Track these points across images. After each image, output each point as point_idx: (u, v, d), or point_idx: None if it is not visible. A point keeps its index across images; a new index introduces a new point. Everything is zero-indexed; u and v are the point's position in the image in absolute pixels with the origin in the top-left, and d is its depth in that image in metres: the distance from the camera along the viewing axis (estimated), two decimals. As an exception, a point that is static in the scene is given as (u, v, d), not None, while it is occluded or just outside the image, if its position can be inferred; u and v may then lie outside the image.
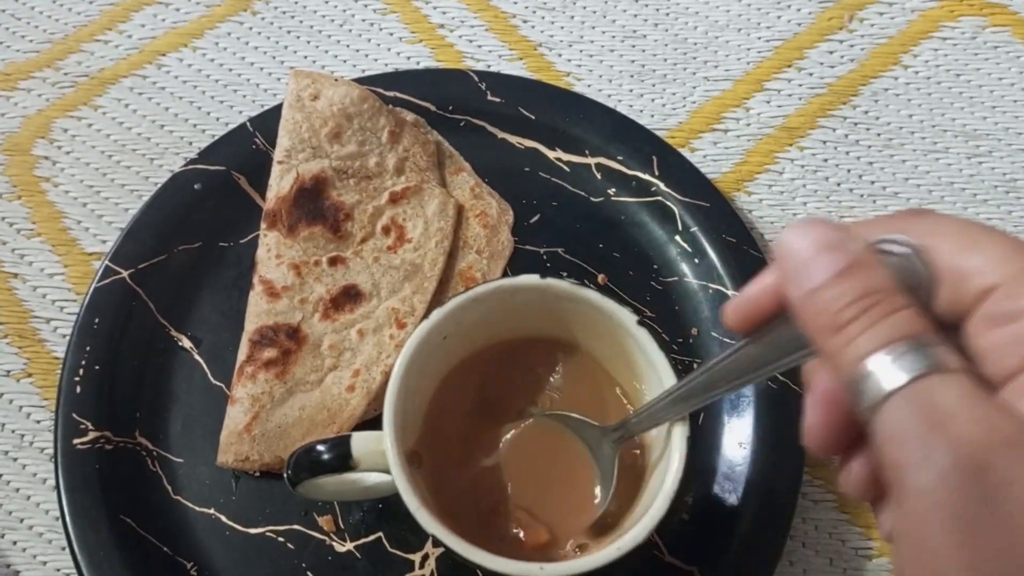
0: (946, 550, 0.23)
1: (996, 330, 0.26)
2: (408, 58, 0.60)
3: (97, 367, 0.49)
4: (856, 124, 0.58)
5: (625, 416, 0.41)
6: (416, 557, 0.46)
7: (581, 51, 0.61)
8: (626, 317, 0.41)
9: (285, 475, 0.40)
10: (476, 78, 0.57)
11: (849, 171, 0.57)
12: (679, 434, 0.38)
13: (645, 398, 0.43)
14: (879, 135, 0.58)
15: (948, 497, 0.23)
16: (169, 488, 0.47)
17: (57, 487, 0.46)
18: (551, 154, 0.55)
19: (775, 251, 0.28)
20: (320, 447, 0.39)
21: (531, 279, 0.42)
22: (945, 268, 0.27)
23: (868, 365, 0.25)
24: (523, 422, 0.44)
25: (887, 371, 0.25)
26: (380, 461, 0.38)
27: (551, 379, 0.46)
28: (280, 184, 0.52)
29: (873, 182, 0.57)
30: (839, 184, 0.57)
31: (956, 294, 0.26)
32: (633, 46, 0.61)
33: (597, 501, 0.42)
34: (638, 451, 0.43)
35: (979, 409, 0.24)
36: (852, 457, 0.29)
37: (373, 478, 0.42)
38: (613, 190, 0.54)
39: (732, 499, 0.47)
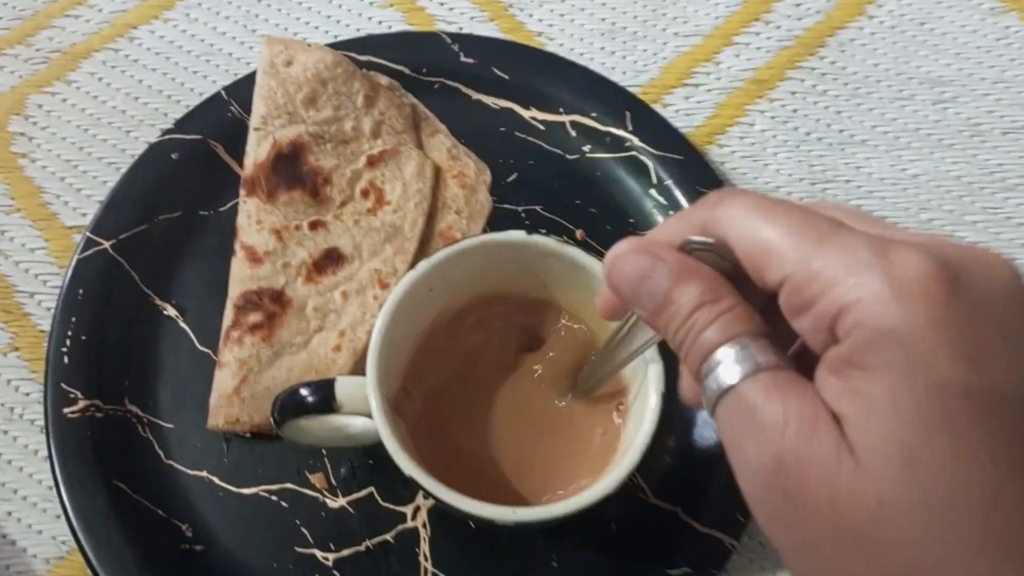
0: (775, 541, 0.27)
1: (797, 319, 0.27)
2: (380, 23, 0.61)
3: (84, 338, 0.49)
4: (824, 75, 0.59)
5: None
6: (408, 509, 0.47)
7: (552, 10, 0.61)
8: None
9: (271, 417, 0.41)
10: (449, 40, 0.57)
11: (818, 121, 0.58)
12: (654, 379, 0.39)
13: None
14: (846, 85, 0.59)
15: (763, 496, 0.27)
16: (161, 453, 0.48)
17: (50, 456, 0.47)
18: (526, 113, 0.56)
19: (607, 274, 0.32)
20: (304, 389, 0.40)
21: (518, 235, 0.43)
22: (748, 255, 0.28)
23: (704, 369, 0.28)
24: (504, 370, 0.45)
25: (718, 373, 0.28)
26: (363, 406, 0.39)
27: (533, 333, 0.47)
28: (257, 151, 0.52)
29: (842, 131, 0.58)
30: (808, 134, 0.58)
31: (763, 280, 0.28)
32: (603, 4, 0.61)
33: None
34: (617, 391, 0.44)
35: (778, 410, 0.26)
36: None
37: (358, 425, 0.43)
38: (588, 147, 0.55)
39: (713, 441, 0.48)
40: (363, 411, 0.39)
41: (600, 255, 0.51)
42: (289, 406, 0.41)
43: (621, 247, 0.31)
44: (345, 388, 0.40)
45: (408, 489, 0.47)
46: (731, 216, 0.29)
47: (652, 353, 0.39)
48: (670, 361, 0.39)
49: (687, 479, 0.47)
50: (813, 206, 0.29)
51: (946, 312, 0.24)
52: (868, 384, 0.25)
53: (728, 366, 0.27)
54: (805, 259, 0.26)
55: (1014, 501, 0.24)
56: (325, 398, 0.40)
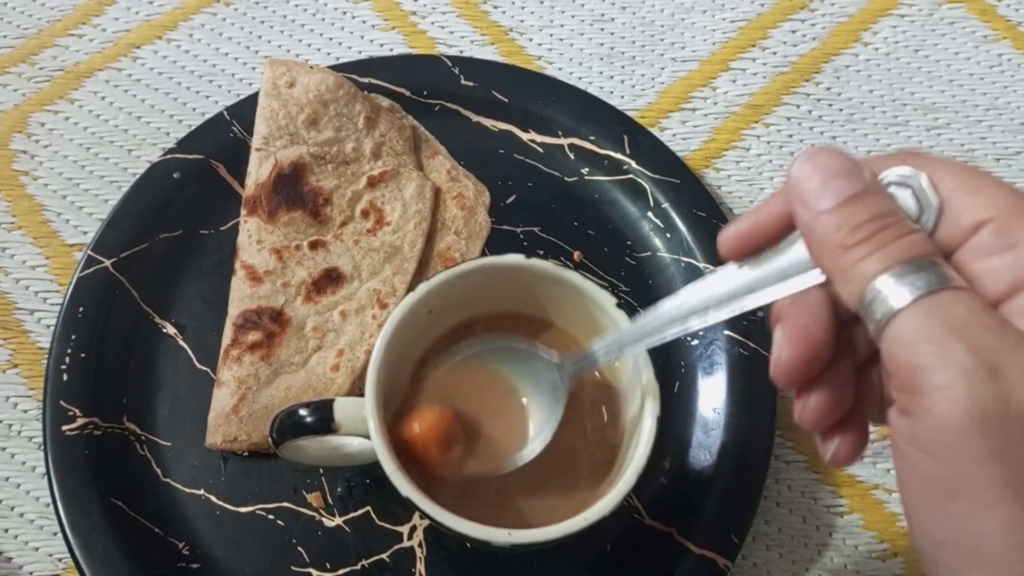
0: (969, 440, 0.25)
1: (988, 258, 0.27)
2: (381, 45, 0.61)
3: (83, 355, 0.49)
4: (819, 100, 0.60)
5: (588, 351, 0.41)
6: (404, 529, 0.47)
7: (551, 35, 0.62)
8: (606, 299, 0.42)
9: (269, 437, 0.41)
10: (449, 63, 0.58)
11: (813, 146, 0.59)
12: (651, 404, 0.39)
13: (619, 376, 0.44)
14: (841, 110, 0.60)
15: (969, 392, 0.25)
16: (159, 471, 0.48)
17: (47, 473, 0.47)
18: (525, 136, 0.57)
19: (786, 178, 0.29)
20: (303, 410, 0.41)
21: (516, 258, 0.43)
22: (944, 200, 0.28)
23: (879, 283, 0.27)
24: (480, 361, 0.45)
25: (899, 287, 0.26)
26: (361, 426, 0.39)
27: (531, 353, 0.47)
28: (259, 171, 0.53)
29: (837, 156, 0.59)
30: (804, 159, 0.58)
31: (952, 225, 0.28)
32: (602, 29, 0.62)
33: (534, 439, 0.42)
34: (614, 412, 0.44)
35: (989, 319, 0.26)
36: (810, 392, 0.30)
37: (355, 444, 0.43)
38: (586, 169, 0.56)
39: (708, 462, 0.48)
40: (361, 432, 0.40)
41: (597, 277, 0.52)
42: (288, 426, 0.41)
43: (821, 147, 0.30)
44: (343, 409, 0.40)
45: (404, 509, 0.47)
46: (939, 162, 0.29)
47: (651, 380, 0.40)
48: (665, 386, 0.40)
49: (682, 501, 0.48)
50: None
51: None
52: None
53: (916, 279, 0.26)
54: (1011, 211, 0.27)
55: None
56: (323, 419, 0.40)
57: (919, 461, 0.26)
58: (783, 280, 0.31)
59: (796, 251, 0.30)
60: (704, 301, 0.33)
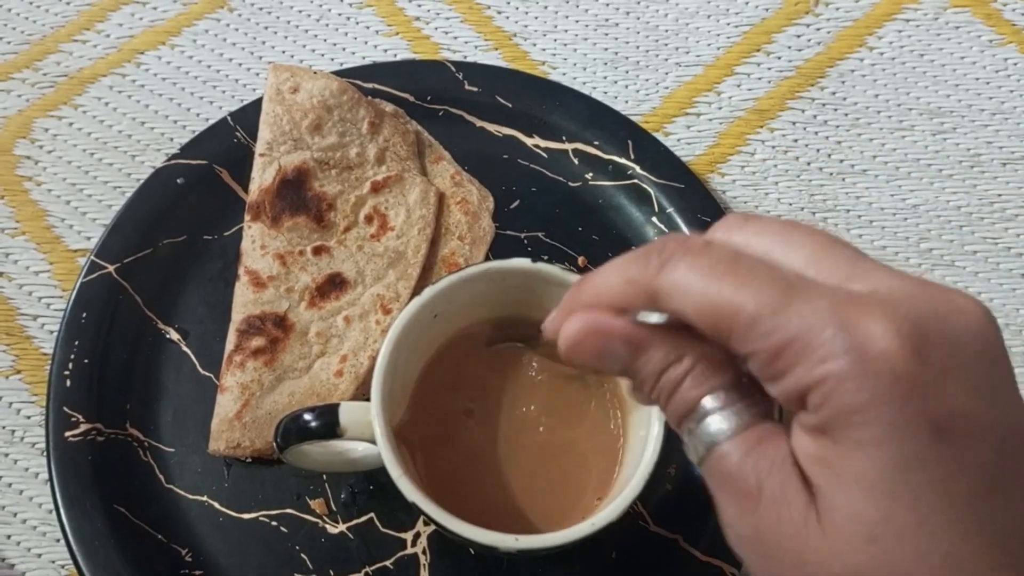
0: None
1: (769, 386, 0.27)
2: (385, 51, 0.61)
3: (86, 361, 0.49)
4: (824, 105, 0.60)
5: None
6: (408, 536, 0.47)
7: (555, 40, 0.62)
8: None
9: (274, 442, 0.41)
10: (453, 68, 0.58)
11: (819, 151, 0.59)
12: (658, 408, 0.39)
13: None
14: (847, 115, 0.60)
15: (747, 555, 0.28)
16: (161, 477, 0.48)
17: (50, 479, 0.46)
18: (529, 141, 0.56)
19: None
20: (308, 414, 0.40)
21: (522, 262, 0.43)
22: (705, 331, 0.27)
23: (684, 432, 0.29)
24: (507, 396, 0.45)
25: (696, 438, 0.28)
26: (366, 431, 0.39)
27: (537, 359, 0.47)
28: (263, 176, 0.52)
29: (842, 160, 0.58)
30: (809, 163, 0.58)
31: (730, 345, 0.27)
32: (606, 34, 0.62)
33: None
34: (618, 417, 0.44)
35: (750, 481, 0.27)
36: None
37: (360, 450, 0.42)
38: (590, 174, 0.56)
39: (714, 469, 0.48)
40: (366, 436, 0.39)
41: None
42: (292, 431, 0.41)
43: (571, 327, 0.29)
44: (349, 413, 0.40)
45: (408, 515, 0.47)
46: (679, 285, 0.27)
47: None
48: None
49: (688, 507, 0.47)
50: (783, 230, 0.28)
51: (912, 386, 0.24)
52: (836, 457, 0.25)
53: (703, 427, 0.27)
54: (767, 334, 0.25)
55: (976, 570, 0.24)
56: (329, 423, 0.40)
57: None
58: None
59: None
60: None
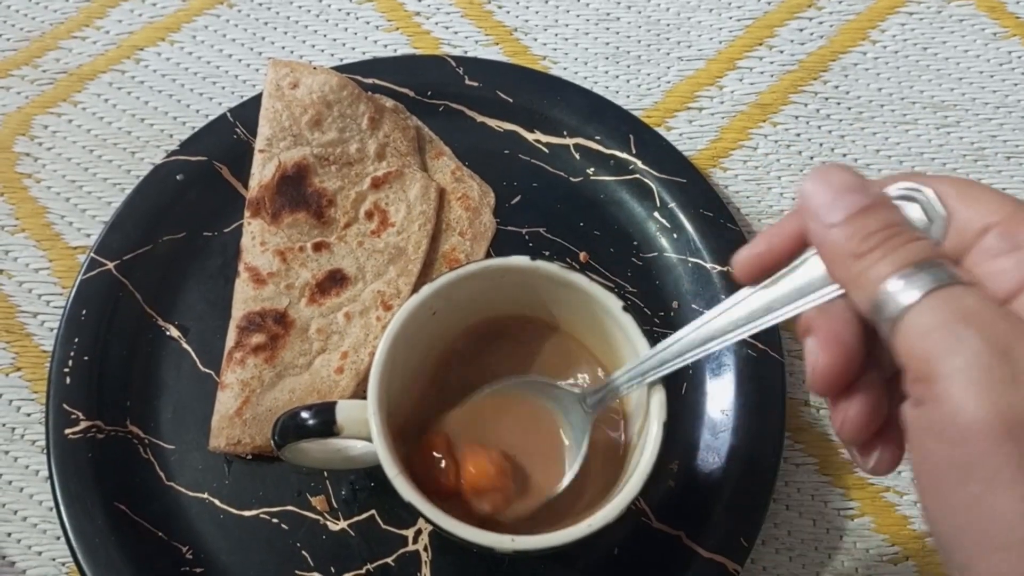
0: (983, 421, 0.25)
1: (995, 260, 0.28)
2: (385, 46, 0.61)
3: (86, 358, 0.49)
4: (827, 99, 0.60)
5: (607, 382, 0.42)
6: (409, 533, 0.47)
7: (556, 35, 0.62)
8: (612, 303, 0.41)
9: (272, 439, 0.41)
10: (453, 63, 0.57)
11: (821, 145, 0.58)
12: (657, 408, 0.39)
13: None
14: (850, 109, 0.59)
15: (983, 374, 0.25)
16: (162, 474, 0.48)
17: (50, 477, 0.46)
18: (530, 136, 0.56)
19: (798, 196, 0.30)
20: (305, 412, 0.40)
21: (521, 260, 0.42)
22: (957, 206, 0.29)
23: (889, 285, 0.27)
24: (503, 394, 0.44)
25: (909, 287, 0.27)
26: (363, 429, 0.39)
27: (536, 357, 0.47)
28: (262, 172, 0.52)
29: (845, 155, 0.58)
30: (812, 158, 0.58)
31: (959, 233, 0.29)
32: (607, 28, 0.62)
33: (566, 473, 0.42)
34: (619, 423, 0.44)
35: (998, 310, 0.26)
36: (847, 399, 0.31)
37: (358, 448, 0.42)
38: (592, 169, 0.55)
39: (716, 465, 0.48)
40: (364, 435, 0.39)
41: (603, 277, 0.51)
42: (290, 429, 0.41)
43: (829, 164, 0.31)
44: (346, 411, 0.40)
45: (409, 512, 0.46)
46: (941, 178, 0.30)
47: (657, 386, 0.39)
48: (672, 389, 0.39)
49: (691, 504, 0.47)
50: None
51: None
52: None
53: (924, 277, 0.27)
54: (1016, 214, 0.28)
55: None
56: (326, 421, 0.40)
57: (934, 448, 0.26)
58: (801, 297, 0.31)
59: (812, 268, 0.31)
60: (723, 327, 0.34)
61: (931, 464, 0.26)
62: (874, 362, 0.31)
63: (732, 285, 0.35)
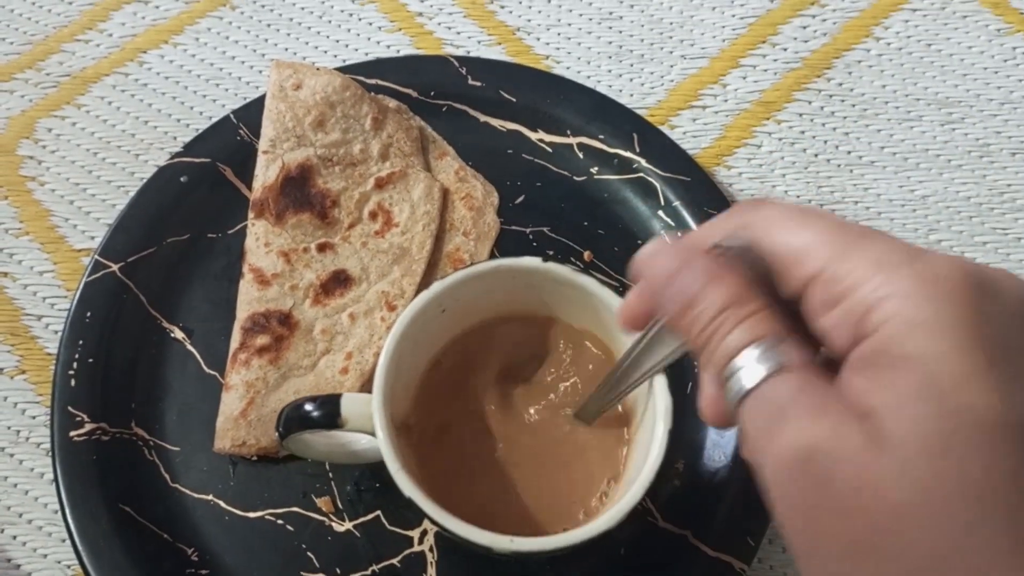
0: (794, 537, 0.26)
1: (827, 314, 0.28)
2: (388, 47, 0.61)
3: (91, 360, 0.49)
4: (831, 96, 0.60)
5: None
6: (415, 533, 0.46)
7: (559, 34, 0.61)
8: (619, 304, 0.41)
9: (276, 430, 0.41)
10: (456, 63, 0.57)
11: (826, 142, 0.58)
12: (663, 409, 0.39)
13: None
14: (854, 106, 0.59)
15: (788, 489, 0.26)
16: (167, 476, 0.48)
17: (55, 479, 0.46)
18: (533, 135, 0.56)
19: (636, 273, 0.33)
20: (309, 404, 0.40)
21: (532, 261, 0.42)
22: (778, 256, 0.29)
23: (728, 370, 0.28)
24: (511, 394, 0.44)
25: (742, 375, 0.28)
26: (368, 423, 0.39)
27: (543, 359, 0.47)
28: (266, 174, 0.52)
29: (849, 152, 0.58)
30: (816, 155, 0.58)
31: (790, 281, 0.29)
32: (610, 27, 0.62)
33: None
34: (623, 419, 0.44)
35: (808, 405, 0.26)
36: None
37: (364, 442, 0.42)
38: (596, 168, 0.55)
39: (722, 463, 0.47)
40: (368, 429, 0.39)
41: (608, 276, 0.51)
42: (294, 419, 0.41)
43: (652, 246, 0.32)
44: (351, 405, 0.40)
45: (415, 513, 0.46)
46: (763, 219, 0.30)
47: (661, 386, 0.39)
48: (677, 388, 0.39)
49: (697, 503, 0.47)
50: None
51: (973, 310, 0.25)
52: (899, 375, 0.25)
53: (755, 365, 0.28)
54: (836, 257, 0.27)
55: None
56: (330, 413, 0.40)
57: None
58: (674, 344, 0.35)
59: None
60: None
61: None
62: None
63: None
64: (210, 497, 0.47)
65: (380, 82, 0.56)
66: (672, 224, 0.53)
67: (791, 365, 0.27)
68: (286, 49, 0.61)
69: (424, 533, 0.46)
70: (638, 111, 0.57)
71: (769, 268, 0.29)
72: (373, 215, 0.52)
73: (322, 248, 0.51)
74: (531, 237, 0.54)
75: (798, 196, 0.57)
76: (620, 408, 0.44)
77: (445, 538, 0.46)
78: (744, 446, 0.29)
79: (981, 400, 0.24)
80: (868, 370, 0.26)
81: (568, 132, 0.56)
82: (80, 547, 0.45)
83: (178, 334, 0.51)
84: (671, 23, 0.62)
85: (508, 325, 0.46)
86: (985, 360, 0.24)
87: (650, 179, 0.54)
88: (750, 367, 0.28)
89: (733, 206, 0.32)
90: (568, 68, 0.60)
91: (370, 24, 0.62)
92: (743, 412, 0.28)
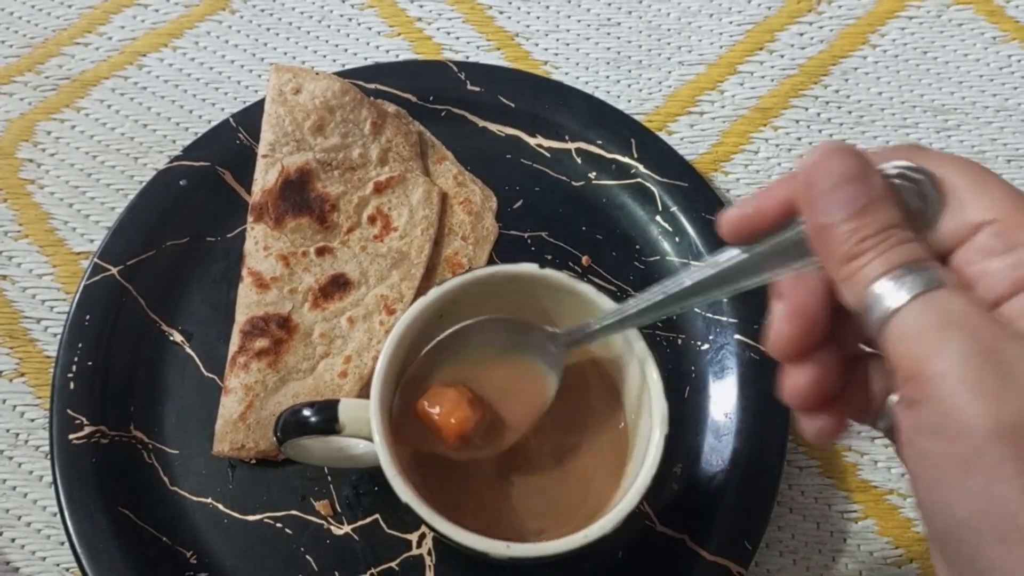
0: (980, 419, 0.25)
1: (989, 259, 0.28)
2: (387, 52, 0.61)
3: (90, 363, 0.49)
4: (828, 103, 0.60)
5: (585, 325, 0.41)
6: (413, 537, 0.47)
7: (557, 40, 0.62)
8: None
9: (274, 435, 0.41)
10: (455, 68, 0.57)
11: (830, 138, 0.58)
12: (659, 414, 0.39)
13: (628, 385, 0.43)
14: (850, 113, 0.60)
15: (972, 373, 0.25)
16: (166, 479, 0.48)
17: (54, 482, 0.46)
18: (532, 141, 0.56)
19: (800, 170, 0.30)
20: (307, 409, 0.40)
21: (530, 268, 0.42)
22: (958, 193, 0.29)
23: (878, 287, 0.28)
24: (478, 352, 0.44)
25: (897, 289, 0.27)
26: (365, 428, 0.39)
27: (539, 364, 0.47)
28: (265, 177, 0.52)
29: (846, 158, 0.58)
30: (813, 161, 0.58)
31: (955, 223, 0.29)
32: (608, 33, 0.62)
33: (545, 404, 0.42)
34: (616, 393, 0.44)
35: (984, 315, 0.27)
36: (799, 366, 0.31)
37: (360, 447, 0.42)
38: (594, 174, 0.55)
39: (720, 468, 0.48)
40: (365, 434, 0.39)
41: (606, 281, 0.51)
42: (292, 425, 0.41)
43: (833, 145, 0.30)
44: (348, 410, 0.40)
45: (413, 516, 0.47)
46: (950, 158, 0.30)
47: (658, 392, 0.39)
48: (675, 392, 0.40)
49: (694, 507, 0.47)
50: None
51: None
52: None
53: (914, 279, 0.27)
54: (1014, 210, 0.28)
55: None
56: (327, 419, 0.40)
57: (931, 445, 0.26)
58: (783, 264, 0.32)
59: (797, 237, 0.31)
60: (704, 283, 0.34)
61: (929, 461, 0.27)
62: (836, 337, 0.31)
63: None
64: (209, 500, 0.47)
65: (379, 87, 0.56)
66: (670, 229, 0.53)
67: (958, 287, 0.27)
68: (285, 53, 0.61)
69: (422, 536, 0.47)
70: (636, 117, 0.57)
71: (935, 205, 0.29)
72: (372, 219, 0.53)
73: (321, 252, 0.51)
74: (529, 242, 0.54)
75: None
76: (623, 417, 0.44)
77: (443, 542, 0.46)
78: (902, 349, 0.27)
79: None
80: None
81: (566, 138, 0.56)
82: (79, 550, 0.45)
83: (177, 337, 0.51)
84: (669, 29, 0.62)
85: (506, 331, 0.46)
86: None
87: (648, 185, 0.54)
88: (908, 282, 0.27)
89: (907, 144, 0.31)
90: (566, 74, 0.61)
91: (369, 29, 0.62)
92: (903, 317, 0.27)
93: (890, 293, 0.27)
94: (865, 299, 0.28)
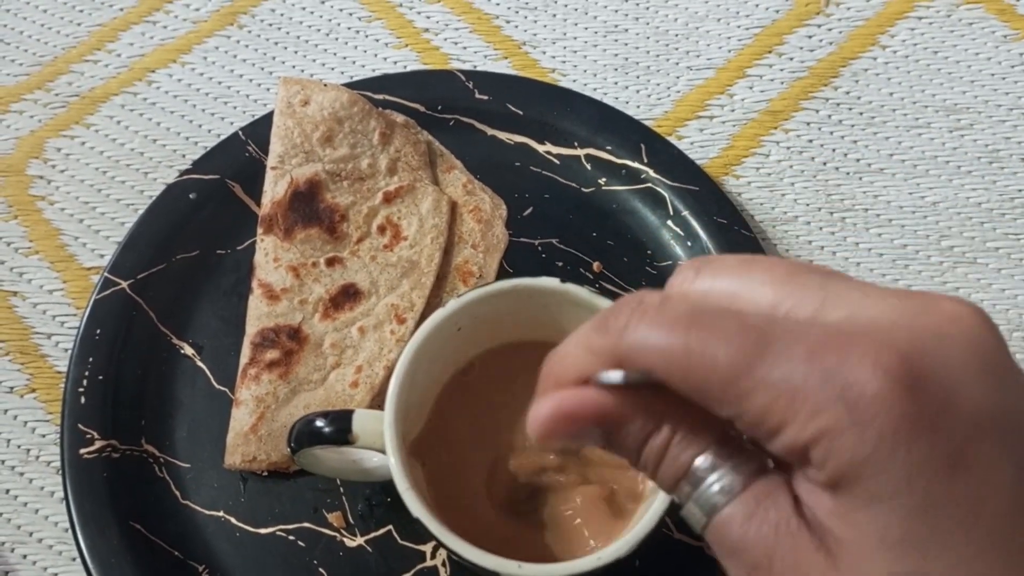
0: None
1: (765, 445, 0.25)
2: (395, 63, 0.61)
3: (100, 377, 0.49)
4: (838, 105, 0.59)
5: None
6: (427, 548, 0.46)
7: (565, 47, 0.62)
8: None
9: (287, 445, 0.41)
10: (463, 77, 0.57)
11: (834, 150, 0.58)
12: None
13: None
14: (861, 114, 0.59)
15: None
16: (177, 493, 0.47)
17: (66, 497, 0.46)
18: (541, 148, 0.56)
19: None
20: (321, 420, 0.40)
21: (551, 282, 0.42)
22: (682, 392, 0.25)
23: (679, 501, 0.26)
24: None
25: (690, 511, 0.26)
26: (379, 441, 0.39)
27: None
28: (275, 189, 0.52)
29: (858, 160, 0.58)
30: (825, 164, 0.58)
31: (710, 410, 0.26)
32: (616, 40, 0.62)
33: None
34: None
35: (759, 551, 0.25)
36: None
37: (374, 460, 0.42)
38: (604, 180, 0.55)
39: (738, 474, 0.47)
40: (379, 446, 0.39)
41: (618, 288, 0.51)
42: (305, 435, 0.40)
43: (539, 412, 0.27)
44: (362, 421, 0.39)
45: (426, 529, 0.46)
46: (643, 345, 0.25)
47: None
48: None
49: (712, 513, 0.46)
50: (743, 268, 0.27)
51: (915, 427, 0.22)
52: (855, 512, 0.23)
53: (699, 493, 0.25)
54: (748, 394, 0.24)
55: None
56: (341, 429, 0.39)
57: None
58: None
59: None
60: None
61: None
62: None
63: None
64: (221, 513, 0.47)
65: (387, 97, 0.56)
66: (681, 233, 0.53)
67: (730, 489, 0.25)
68: (293, 67, 0.61)
69: (436, 548, 0.46)
70: (645, 122, 0.57)
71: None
72: (382, 229, 0.52)
73: (331, 262, 0.51)
74: (540, 249, 0.54)
75: (808, 204, 0.56)
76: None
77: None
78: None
79: (941, 520, 0.23)
80: (830, 496, 0.24)
81: (575, 144, 0.56)
82: (91, 565, 0.45)
83: (188, 350, 0.51)
84: (676, 35, 0.62)
85: (523, 349, 0.45)
86: (941, 476, 0.23)
87: (659, 189, 0.54)
88: (693, 500, 0.26)
89: (579, 330, 0.28)
90: (575, 81, 0.60)
91: (377, 40, 0.62)
92: (707, 539, 0.26)
93: (688, 513, 0.26)
94: (682, 505, 0.27)
